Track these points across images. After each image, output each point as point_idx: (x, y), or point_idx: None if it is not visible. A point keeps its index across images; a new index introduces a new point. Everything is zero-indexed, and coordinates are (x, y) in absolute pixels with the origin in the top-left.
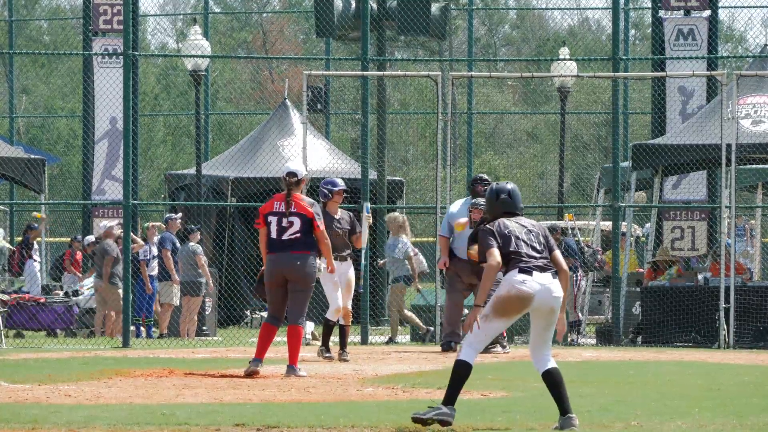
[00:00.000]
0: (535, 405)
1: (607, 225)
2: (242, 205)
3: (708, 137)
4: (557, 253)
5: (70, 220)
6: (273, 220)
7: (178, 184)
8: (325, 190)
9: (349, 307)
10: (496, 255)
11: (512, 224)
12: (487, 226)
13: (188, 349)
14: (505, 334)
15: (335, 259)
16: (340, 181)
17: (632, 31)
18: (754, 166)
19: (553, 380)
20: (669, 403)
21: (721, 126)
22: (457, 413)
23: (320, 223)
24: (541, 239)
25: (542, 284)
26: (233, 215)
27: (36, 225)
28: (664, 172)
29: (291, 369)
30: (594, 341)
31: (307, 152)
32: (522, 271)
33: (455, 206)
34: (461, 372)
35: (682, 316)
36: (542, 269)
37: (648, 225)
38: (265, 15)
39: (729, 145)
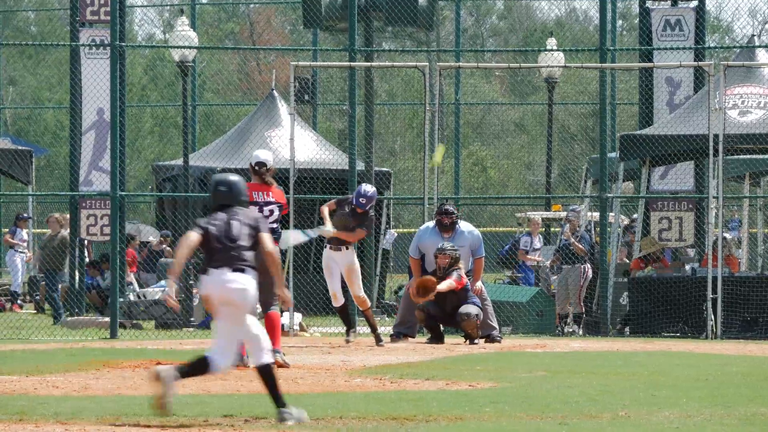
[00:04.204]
0: (523, 395)
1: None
2: None
3: (695, 128)
4: (264, 235)
5: (58, 212)
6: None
7: (165, 175)
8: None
9: (361, 294)
10: (191, 236)
11: (220, 216)
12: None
13: (176, 341)
14: (495, 324)
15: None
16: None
17: (619, 22)
18: (741, 156)
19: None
20: (657, 394)
21: (708, 116)
22: (444, 403)
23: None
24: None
25: (217, 281)
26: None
27: (25, 215)
28: (652, 163)
29: (275, 352)
30: (581, 332)
31: (294, 143)
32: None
33: (423, 230)
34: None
35: (669, 306)
36: (224, 264)
37: (635, 215)
38: (252, 6)
39: (716, 136)
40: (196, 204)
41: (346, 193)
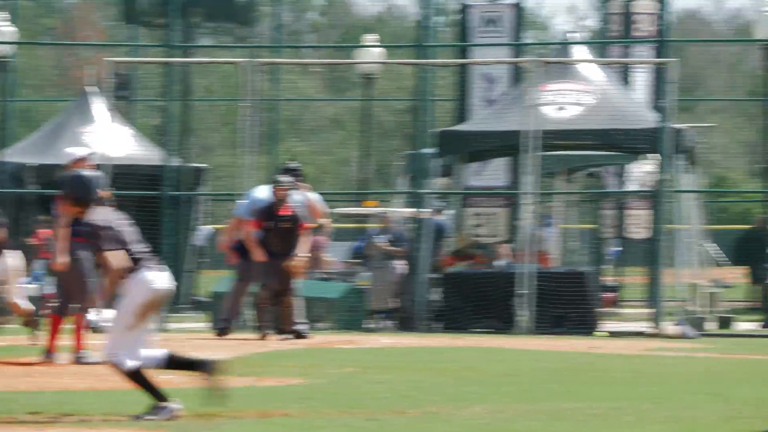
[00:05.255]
0: (332, 391)
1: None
2: (42, 192)
3: (511, 124)
4: None
5: None
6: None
7: None
8: None
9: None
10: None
11: (110, 216)
12: (99, 223)
13: None
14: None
15: None
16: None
17: (439, 18)
18: (556, 152)
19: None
20: (466, 389)
21: (525, 112)
22: (252, 399)
23: None
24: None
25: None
26: (33, 202)
27: None
28: (469, 159)
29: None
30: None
31: (109, 139)
32: (149, 269)
33: (261, 192)
34: (141, 377)
35: (480, 302)
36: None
37: (450, 211)
38: (70, 1)
39: (532, 132)
40: (8, 200)
41: (161, 189)
